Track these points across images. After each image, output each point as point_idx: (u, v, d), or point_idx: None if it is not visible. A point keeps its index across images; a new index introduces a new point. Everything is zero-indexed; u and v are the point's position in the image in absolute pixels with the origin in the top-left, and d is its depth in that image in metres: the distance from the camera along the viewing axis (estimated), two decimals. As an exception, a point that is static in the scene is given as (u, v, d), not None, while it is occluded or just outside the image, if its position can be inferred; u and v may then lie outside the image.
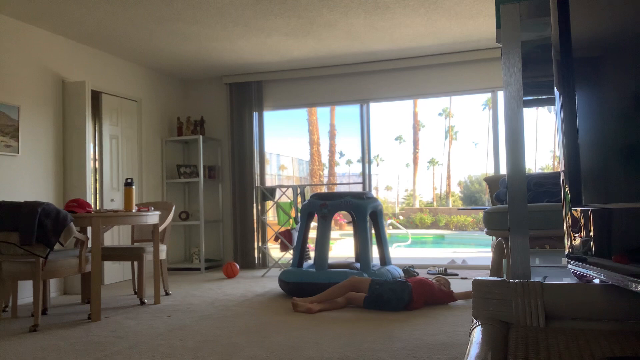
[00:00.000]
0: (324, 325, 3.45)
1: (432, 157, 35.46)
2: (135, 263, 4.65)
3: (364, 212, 4.65)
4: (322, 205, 4.66)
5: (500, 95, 6.20)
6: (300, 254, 4.82)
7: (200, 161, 6.58)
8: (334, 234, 5.56)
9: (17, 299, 4.06)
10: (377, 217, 4.88)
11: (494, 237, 3.16)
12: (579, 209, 1.05)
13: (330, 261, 4.79)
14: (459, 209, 25.73)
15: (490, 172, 18.93)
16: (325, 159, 30.81)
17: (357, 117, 6.72)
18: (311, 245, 5.46)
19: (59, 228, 3.59)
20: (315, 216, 4.93)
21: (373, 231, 5.04)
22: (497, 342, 0.99)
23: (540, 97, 2.05)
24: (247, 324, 3.56)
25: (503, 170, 6.19)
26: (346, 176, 33.01)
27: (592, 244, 1.02)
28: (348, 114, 26.32)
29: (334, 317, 3.70)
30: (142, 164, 6.24)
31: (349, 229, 5.76)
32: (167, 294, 4.78)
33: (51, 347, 3.07)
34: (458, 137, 35.83)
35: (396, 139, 36.51)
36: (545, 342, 1.00)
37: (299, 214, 5.02)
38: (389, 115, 41.06)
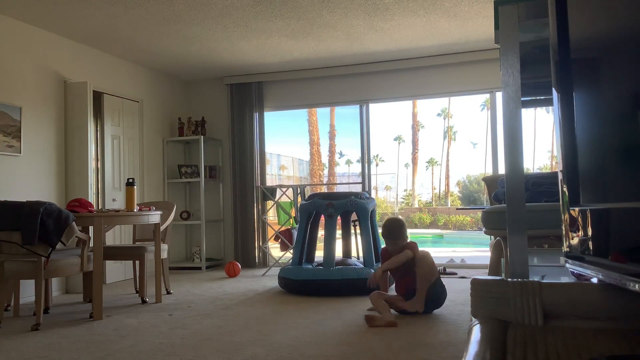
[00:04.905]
0: (324, 324, 3.46)
1: (431, 157, 35.45)
2: (137, 262, 4.66)
3: (366, 211, 4.70)
4: (329, 205, 4.69)
5: (499, 95, 6.21)
6: (300, 252, 4.85)
7: (201, 161, 6.60)
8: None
9: (19, 298, 4.07)
10: (372, 215, 4.93)
11: (492, 237, 3.17)
12: (576, 209, 1.06)
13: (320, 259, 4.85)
14: (457, 209, 25.74)
15: (489, 172, 18.91)
16: (325, 159, 30.81)
17: (357, 118, 6.73)
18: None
19: (61, 228, 3.60)
20: (313, 215, 4.97)
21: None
22: (496, 341, 1.00)
23: (538, 97, 2.07)
24: (248, 322, 3.57)
25: (501, 170, 6.20)
26: (346, 176, 33.00)
27: (590, 243, 1.03)
28: (348, 114, 26.29)
29: (334, 316, 3.72)
30: (143, 164, 6.26)
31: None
32: (168, 292, 4.80)
33: (53, 346, 3.09)
34: (457, 137, 35.82)
35: (395, 139, 36.49)
36: (543, 340, 1.00)
37: (299, 214, 5.03)
38: (389, 116, 41.07)
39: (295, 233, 5.89)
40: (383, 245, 4.01)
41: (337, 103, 6.81)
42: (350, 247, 5.56)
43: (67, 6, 4.42)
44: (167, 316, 3.85)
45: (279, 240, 6.20)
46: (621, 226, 0.91)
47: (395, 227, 3.80)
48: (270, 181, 18.00)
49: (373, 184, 8.16)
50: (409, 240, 3.82)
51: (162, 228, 4.67)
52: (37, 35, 4.90)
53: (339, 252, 5.17)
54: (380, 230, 4.00)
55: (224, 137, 7.03)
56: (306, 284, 4.50)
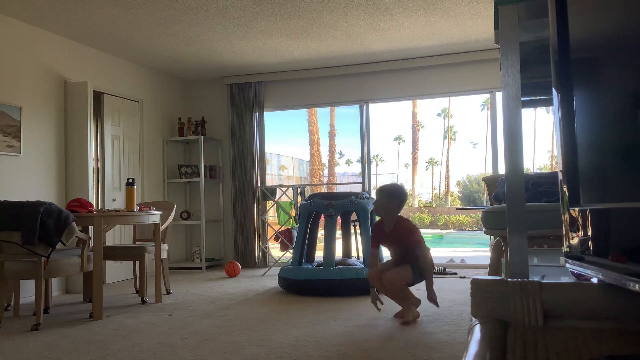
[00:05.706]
0: (323, 324, 3.46)
1: (431, 157, 35.52)
2: (137, 262, 4.66)
3: (366, 211, 4.70)
4: (328, 205, 4.69)
5: (499, 95, 6.21)
6: (300, 252, 4.85)
7: (201, 161, 6.60)
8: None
9: (19, 298, 4.07)
10: (372, 215, 4.94)
11: (492, 237, 3.17)
12: (576, 209, 1.06)
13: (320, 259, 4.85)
14: (457, 209, 25.77)
15: (489, 172, 18.91)
16: (325, 159, 30.83)
17: (357, 118, 6.73)
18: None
19: (61, 228, 3.60)
20: (313, 215, 4.96)
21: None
22: (496, 341, 1.00)
23: (538, 97, 2.06)
24: (248, 322, 3.58)
25: (501, 170, 6.19)
26: (346, 176, 33.02)
27: (590, 243, 1.02)
28: (348, 114, 26.31)
29: (334, 316, 3.72)
30: (143, 164, 6.26)
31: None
32: (168, 292, 4.80)
33: (53, 346, 3.09)
34: (457, 137, 35.89)
35: (395, 139, 36.54)
36: (543, 340, 1.00)
37: (299, 214, 5.04)
38: (389, 116, 41.15)
39: (295, 233, 5.90)
40: (378, 218, 3.77)
41: (337, 103, 6.81)
42: (350, 247, 5.55)
43: (67, 6, 4.42)
44: (167, 316, 3.85)
45: (279, 240, 6.20)
46: (621, 226, 0.91)
47: (396, 191, 3.55)
48: (270, 181, 18.00)
49: (373, 184, 8.17)
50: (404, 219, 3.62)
51: (162, 228, 4.67)
52: (38, 35, 4.89)
53: (339, 252, 5.18)
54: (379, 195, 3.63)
55: (224, 137, 7.03)
56: (306, 284, 4.51)
